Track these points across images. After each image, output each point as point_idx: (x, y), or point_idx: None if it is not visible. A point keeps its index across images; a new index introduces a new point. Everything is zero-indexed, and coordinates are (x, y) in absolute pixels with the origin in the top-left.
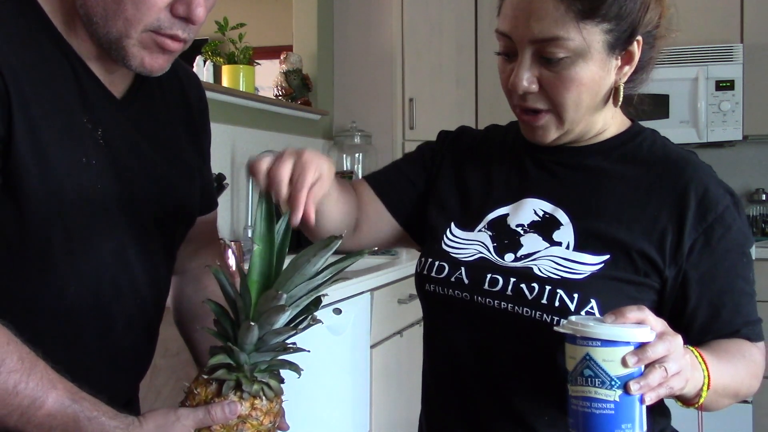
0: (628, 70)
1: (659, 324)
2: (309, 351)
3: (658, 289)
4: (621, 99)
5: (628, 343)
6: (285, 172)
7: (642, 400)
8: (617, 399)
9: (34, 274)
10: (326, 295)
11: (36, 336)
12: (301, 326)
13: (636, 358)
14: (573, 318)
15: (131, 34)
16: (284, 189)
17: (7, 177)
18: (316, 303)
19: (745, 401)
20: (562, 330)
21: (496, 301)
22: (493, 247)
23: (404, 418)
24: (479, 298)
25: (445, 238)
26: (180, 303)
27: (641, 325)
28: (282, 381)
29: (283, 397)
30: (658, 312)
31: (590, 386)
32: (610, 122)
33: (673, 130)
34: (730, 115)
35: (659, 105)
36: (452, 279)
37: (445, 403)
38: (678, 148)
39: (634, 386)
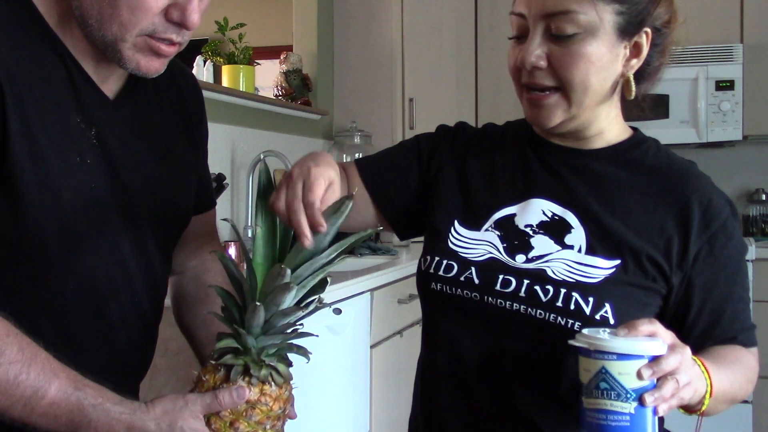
0: (636, 63)
1: (669, 336)
2: (317, 336)
3: (664, 294)
4: (633, 91)
5: (641, 357)
6: (297, 203)
7: (655, 412)
8: (632, 411)
9: (32, 272)
10: (331, 276)
11: (35, 334)
12: (309, 308)
13: (651, 371)
14: (586, 331)
15: (126, 38)
16: (303, 220)
17: (3, 176)
18: (322, 284)
19: (745, 401)
20: (577, 344)
21: (508, 302)
22: (503, 247)
23: (404, 418)
24: (490, 298)
25: (450, 236)
26: (181, 302)
27: (653, 338)
28: (290, 365)
29: (293, 383)
30: (661, 317)
31: (606, 399)
32: (612, 123)
33: (673, 130)
34: (730, 115)
35: (659, 105)
36: (461, 278)
37: (446, 402)
38: (680, 158)
39: (649, 398)
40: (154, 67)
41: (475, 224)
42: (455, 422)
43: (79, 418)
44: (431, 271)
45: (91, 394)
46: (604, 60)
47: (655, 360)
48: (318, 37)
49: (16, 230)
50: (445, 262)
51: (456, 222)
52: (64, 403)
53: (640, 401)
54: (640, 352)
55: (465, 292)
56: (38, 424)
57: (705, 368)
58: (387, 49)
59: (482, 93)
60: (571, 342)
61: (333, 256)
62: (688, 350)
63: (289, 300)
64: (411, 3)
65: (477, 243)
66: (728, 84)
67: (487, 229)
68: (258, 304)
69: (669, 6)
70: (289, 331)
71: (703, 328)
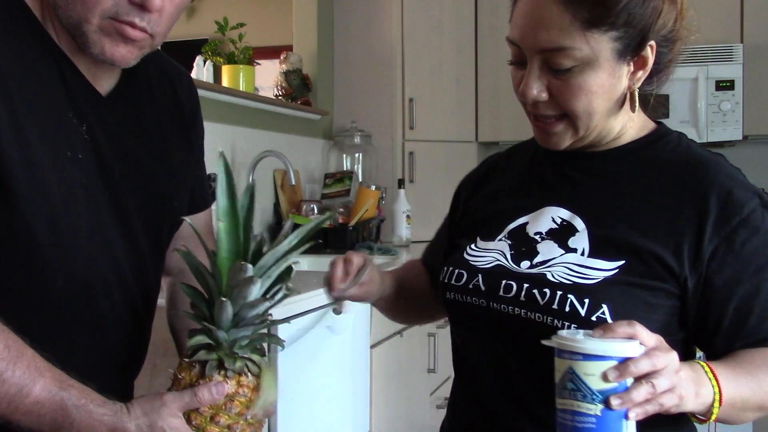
0: (642, 74)
1: (653, 339)
2: (289, 322)
3: (678, 294)
4: (637, 104)
5: (610, 358)
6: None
7: (627, 416)
8: (598, 413)
9: (22, 266)
10: (297, 262)
11: (25, 329)
12: (276, 297)
13: (617, 373)
14: (563, 332)
15: (90, 19)
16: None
17: None
18: (288, 272)
19: None
20: (548, 343)
21: (510, 307)
22: (511, 254)
23: (404, 418)
24: (494, 304)
25: (468, 248)
26: (172, 304)
27: (631, 341)
28: (264, 354)
29: (278, 363)
30: (683, 321)
31: (573, 399)
32: (628, 125)
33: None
34: (730, 115)
35: (659, 105)
36: (470, 286)
37: (468, 411)
38: (704, 150)
39: (614, 401)
40: (119, 53)
41: (491, 236)
42: (478, 428)
43: (62, 418)
44: (446, 281)
45: (75, 395)
46: (606, 86)
47: (624, 362)
48: (318, 37)
49: (6, 223)
50: (456, 271)
51: (478, 238)
52: (48, 403)
53: (606, 404)
54: (608, 353)
55: (473, 299)
56: (21, 422)
57: (713, 375)
58: (387, 49)
59: (482, 93)
60: (544, 341)
61: (294, 242)
62: (672, 354)
63: (256, 292)
64: (411, 3)
65: (488, 252)
66: (728, 84)
67: (500, 239)
68: (223, 299)
69: (672, 9)
70: (258, 321)
71: (729, 330)
